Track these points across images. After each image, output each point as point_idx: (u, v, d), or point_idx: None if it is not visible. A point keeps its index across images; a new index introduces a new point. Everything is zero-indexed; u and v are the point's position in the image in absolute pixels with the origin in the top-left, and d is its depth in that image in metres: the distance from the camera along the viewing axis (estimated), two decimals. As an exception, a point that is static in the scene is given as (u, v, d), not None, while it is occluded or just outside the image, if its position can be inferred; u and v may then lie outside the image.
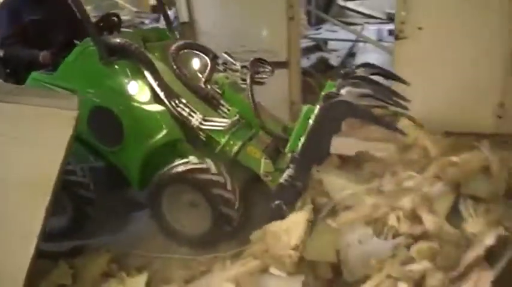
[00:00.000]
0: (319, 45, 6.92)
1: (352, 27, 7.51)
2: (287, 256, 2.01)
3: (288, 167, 2.37)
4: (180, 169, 2.51)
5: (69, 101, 2.24)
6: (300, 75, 4.54)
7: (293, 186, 2.32)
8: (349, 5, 8.93)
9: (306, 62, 5.86)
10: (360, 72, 2.77)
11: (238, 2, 4.35)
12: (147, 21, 7.94)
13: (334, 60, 6.35)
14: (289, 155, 2.46)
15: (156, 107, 2.67)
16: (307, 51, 6.47)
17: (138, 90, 2.68)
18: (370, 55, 6.26)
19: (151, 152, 2.64)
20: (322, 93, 2.57)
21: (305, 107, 2.55)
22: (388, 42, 5.92)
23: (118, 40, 2.72)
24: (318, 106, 2.40)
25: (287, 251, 2.02)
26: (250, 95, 2.82)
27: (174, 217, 2.67)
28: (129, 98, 2.66)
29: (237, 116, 2.76)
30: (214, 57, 2.98)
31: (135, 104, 2.66)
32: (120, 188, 3.02)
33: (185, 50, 2.97)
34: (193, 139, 2.74)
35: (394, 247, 1.99)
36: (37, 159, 2.16)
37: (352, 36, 6.84)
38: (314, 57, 6.29)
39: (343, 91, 2.48)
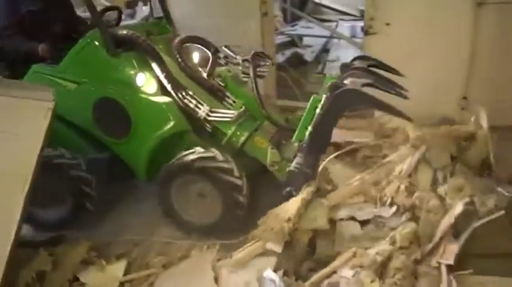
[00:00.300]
0: (295, 41, 7.05)
1: (326, 23, 7.69)
2: (281, 227, 2.13)
3: (295, 156, 2.46)
4: (188, 158, 2.55)
5: (46, 92, 2.27)
6: (275, 70, 4.67)
7: (303, 173, 2.40)
8: (324, 2, 9.10)
9: (280, 58, 5.99)
10: (358, 63, 2.85)
11: (213, -4, 4.41)
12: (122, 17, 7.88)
13: (308, 55, 6.50)
14: (295, 144, 2.53)
15: (163, 99, 2.70)
16: (283, 47, 6.60)
17: (145, 81, 2.71)
18: (343, 51, 6.47)
19: (158, 144, 2.65)
20: (326, 84, 2.57)
21: (311, 98, 2.56)
22: (361, 38, 6.09)
23: (125, 32, 2.74)
24: (324, 96, 2.46)
25: (282, 224, 2.14)
26: (254, 87, 2.88)
27: (183, 207, 2.71)
28: (136, 89, 2.68)
29: (243, 108, 2.81)
30: (215, 51, 3.03)
31: (142, 95, 2.68)
32: (122, 180, 3.04)
33: (188, 44, 3.02)
34: (200, 131, 2.77)
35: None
36: (15, 149, 2.20)
37: (327, 33, 7.01)
38: (289, 52, 6.42)
39: (346, 81, 2.53)
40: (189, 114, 2.71)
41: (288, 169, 2.47)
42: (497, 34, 3.62)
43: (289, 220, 2.15)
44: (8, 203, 2.11)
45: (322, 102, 2.43)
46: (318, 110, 2.43)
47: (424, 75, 3.68)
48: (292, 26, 8.14)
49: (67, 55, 2.81)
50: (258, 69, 3.00)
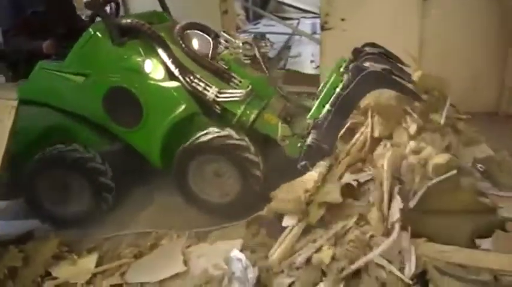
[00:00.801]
0: (261, 37, 7.20)
1: (288, 21, 7.90)
2: (298, 197, 2.18)
3: (309, 132, 2.55)
4: (205, 138, 2.63)
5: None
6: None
7: (320, 149, 2.46)
8: (286, 0, 9.33)
9: (243, 55, 6.10)
10: (370, 50, 2.84)
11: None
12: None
13: (270, 52, 6.67)
14: (309, 121, 2.62)
15: (172, 84, 2.74)
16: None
17: (153, 68, 2.74)
18: (304, 47, 6.68)
19: (171, 128, 2.71)
20: (340, 66, 2.69)
21: (332, 77, 2.62)
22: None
23: (129, 21, 2.77)
24: (345, 76, 2.50)
25: (299, 194, 2.20)
26: (264, 65, 3.00)
27: (201, 187, 2.78)
28: (145, 76, 2.71)
29: (250, 87, 2.84)
30: (215, 36, 3.09)
31: (152, 82, 2.72)
32: (133, 172, 3.06)
33: (189, 30, 3.06)
34: (208, 113, 2.83)
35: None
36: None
37: (289, 30, 7.22)
38: (252, 50, 6.54)
39: (366, 65, 2.53)
40: (197, 97, 2.77)
41: (302, 144, 2.56)
42: (441, 26, 3.89)
43: (307, 191, 2.20)
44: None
45: (343, 82, 2.48)
46: (337, 89, 2.49)
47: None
48: (255, 24, 8.32)
49: (72, 49, 2.81)
50: (261, 50, 3.11)
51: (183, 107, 2.69)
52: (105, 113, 2.79)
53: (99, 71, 2.78)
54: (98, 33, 2.77)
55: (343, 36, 4.13)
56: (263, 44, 3.19)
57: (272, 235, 2.38)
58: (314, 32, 7.25)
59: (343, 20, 4.12)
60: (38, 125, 2.85)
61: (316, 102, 2.59)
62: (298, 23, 8.11)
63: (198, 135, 2.66)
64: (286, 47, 7.04)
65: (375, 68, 2.42)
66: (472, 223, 2.03)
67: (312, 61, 5.86)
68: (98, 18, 3.07)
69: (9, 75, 3.03)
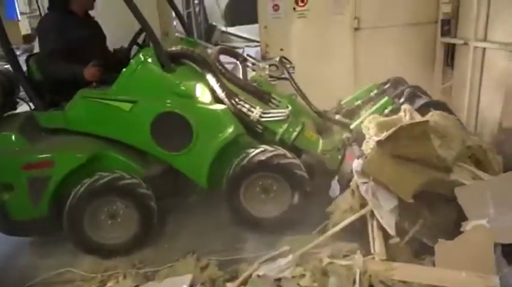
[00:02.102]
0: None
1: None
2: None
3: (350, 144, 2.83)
4: (262, 157, 2.73)
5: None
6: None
7: None
8: (230, 30, 9.60)
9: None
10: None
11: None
12: (18, 52, 7.53)
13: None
14: (337, 136, 3.00)
15: (220, 106, 2.83)
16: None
17: (202, 92, 2.82)
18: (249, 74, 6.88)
19: (221, 149, 2.78)
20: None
21: (384, 99, 2.97)
22: (264, 63, 6.57)
23: (177, 47, 2.91)
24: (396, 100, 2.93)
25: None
26: (296, 87, 3.19)
27: (251, 204, 2.86)
28: (195, 100, 2.78)
29: (290, 107, 2.97)
30: (244, 60, 3.24)
31: (201, 105, 2.80)
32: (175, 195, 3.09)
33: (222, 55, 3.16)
34: (249, 132, 2.95)
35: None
36: None
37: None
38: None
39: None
40: (240, 118, 2.88)
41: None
42: (370, 52, 4.29)
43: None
44: None
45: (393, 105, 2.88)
46: (386, 111, 2.84)
47: (317, 95, 4.11)
48: (201, 53, 8.43)
49: (120, 76, 2.81)
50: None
51: (232, 128, 2.79)
52: (152, 138, 2.80)
53: (149, 97, 2.80)
54: (148, 59, 2.80)
55: (283, 65, 4.34)
56: (288, 66, 3.41)
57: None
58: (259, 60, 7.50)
59: (282, 50, 4.32)
60: (75, 156, 2.76)
61: (363, 117, 2.92)
62: (243, 52, 8.33)
63: (252, 153, 2.77)
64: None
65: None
66: (423, 176, 2.19)
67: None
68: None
69: (39, 102, 2.88)
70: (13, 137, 2.75)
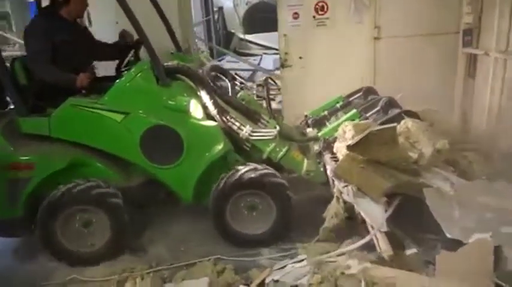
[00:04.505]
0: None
1: (252, 57, 8.18)
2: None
3: (321, 153, 2.99)
4: (253, 174, 2.76)
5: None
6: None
7: None
8: (248, 37, 9.68)
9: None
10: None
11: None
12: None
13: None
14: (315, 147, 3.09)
15: (211, 123, 2.88)
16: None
17: (194, 107, 2.84)
18: (267, 82, 6.93)
19: (209, 165, 2.81)
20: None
21: (352, 111, 3.10)
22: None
23: (174, 63, 2.98)
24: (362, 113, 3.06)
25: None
26: (268, 106, 3.26)
27: (236, 221, 2.88)
28: (188, 115, 2.81)
29: (278, 127, 3.04)
30: (233, 78, 3.28)
31: (193, 120, 2.83)
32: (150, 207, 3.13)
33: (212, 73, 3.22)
34: (236, 149, 2.99)
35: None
36: None
37: (251, 66, 7.49)
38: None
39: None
40: (229, 135, 2.92)
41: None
42: (390, 62, 4.26)
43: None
44: None
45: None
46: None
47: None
48: (219, 60, 8.54)
49: (114, 86, 2.82)
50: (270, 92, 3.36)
51: (221, 145, 2.83)
52: (140, 150, 2.79)
53: (142, 109, 2.81)
54: (143, 72, 2.83)
55: (302, 72, 4.40)
56: (273, 87, 3.42)
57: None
58: (277, 68, 7.55)
59: (301, 58, 4.34)
60: (56, 160, 2.78)
61: (331, 126, 3.08)
62: (261, 59, 8.42)
63: (243, 170, 2.79)
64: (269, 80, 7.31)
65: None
66: (393, 179, 2.28)
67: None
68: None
69: (22, 107, 2.83)
70: None
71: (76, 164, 2.82)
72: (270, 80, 3.54)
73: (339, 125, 2.94)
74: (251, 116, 3.07)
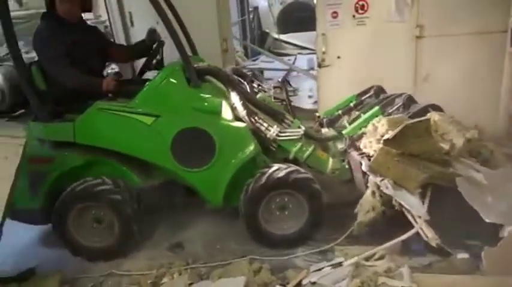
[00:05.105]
0: (256, 75, 7.42)
1: (286, 57, 8.15)
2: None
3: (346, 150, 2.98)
4: (280, 174, 2.73)
5: (17, 129, 2.36)
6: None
7: None
8: (283, 37, 9.65)
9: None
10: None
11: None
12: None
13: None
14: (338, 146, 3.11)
15: (241, 124, 2.85)
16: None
17: (225, 109, 2.84)
18: (301, 82, 6.88)
19: (241, 167, 2.78)
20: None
21: (375, 108, 3.01)
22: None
23: (205, 64, 3.01)
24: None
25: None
26: (289, 107, 3.33)
27: (269, 223, 2.85)
28: (219, 117, 2.80)
29: (302, 127, 3.03)
30: (251, 81, 3.31)
31: (224, 122, 2.81)
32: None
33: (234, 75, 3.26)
34: (262, 150, 2.96)
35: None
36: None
37: (286, 66, 7.45)
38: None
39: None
40: (257, 135, 2.90)
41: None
42: (433, 62, 4.10)
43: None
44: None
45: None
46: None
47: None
48: (254, 60, 8.56)
49: (144, 89, 2.82)
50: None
51: (252, 146, 2.80)
52: (171, 153, 2.76)
53: (173, 111, 2.79)
54: (175, 74, 2.82)
55: (339, 72, 4.32)
56: (290, 89, 3.43)
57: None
58: (311, 68, 7.48)
59: (339, 57, 4.28)
60: (74, 157, 2.84)
61: (354, 124, 3.02)
62: (295, 59, 8.39)
63: (270, 171, 2.74)
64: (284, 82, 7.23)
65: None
66: (427, 170, 2.34)
67: (310, 96, 5.99)
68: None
69: (43, 113, 2.80)
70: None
71: (95, 162, 2.87)
72: (287, 82, 3.56)
73: (362, 123, 2.94)
74: (276, 116, 3.04)
